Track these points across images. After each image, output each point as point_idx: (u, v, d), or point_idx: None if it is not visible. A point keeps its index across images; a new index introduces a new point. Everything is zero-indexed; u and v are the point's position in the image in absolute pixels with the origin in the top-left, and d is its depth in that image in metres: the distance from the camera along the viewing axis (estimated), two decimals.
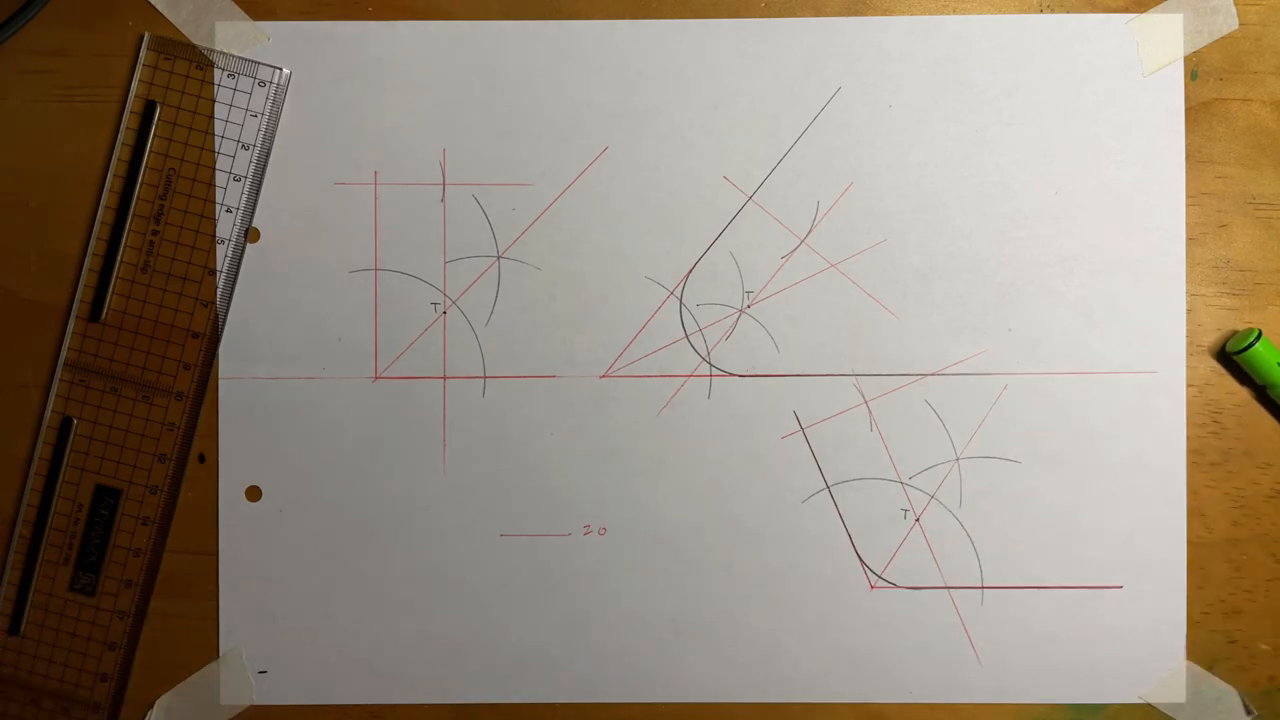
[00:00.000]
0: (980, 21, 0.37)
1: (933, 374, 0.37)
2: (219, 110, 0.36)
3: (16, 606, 0.36)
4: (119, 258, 0.36)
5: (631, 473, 0.37)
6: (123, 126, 0.36)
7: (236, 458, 0.37)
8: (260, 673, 0.37)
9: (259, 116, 0.36)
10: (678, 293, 0.37)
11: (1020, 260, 0.37)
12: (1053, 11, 0.37)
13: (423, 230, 0.36)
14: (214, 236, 0.36)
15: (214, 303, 0.36)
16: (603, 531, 0.37)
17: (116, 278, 0.36)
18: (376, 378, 0.37)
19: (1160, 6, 0.37)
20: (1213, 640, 0.37)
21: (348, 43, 0.36)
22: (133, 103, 0.36)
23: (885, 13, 0.37)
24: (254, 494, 0.37)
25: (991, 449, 0.36)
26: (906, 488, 0.37)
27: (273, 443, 0.37)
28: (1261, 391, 0.37)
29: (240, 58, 0.36)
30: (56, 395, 0.36)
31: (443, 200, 0.37)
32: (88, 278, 0.36)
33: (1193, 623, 0.37)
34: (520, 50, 0.36)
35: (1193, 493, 0.37)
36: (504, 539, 0.37)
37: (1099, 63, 0.36)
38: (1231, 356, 0.36)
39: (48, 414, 0.36)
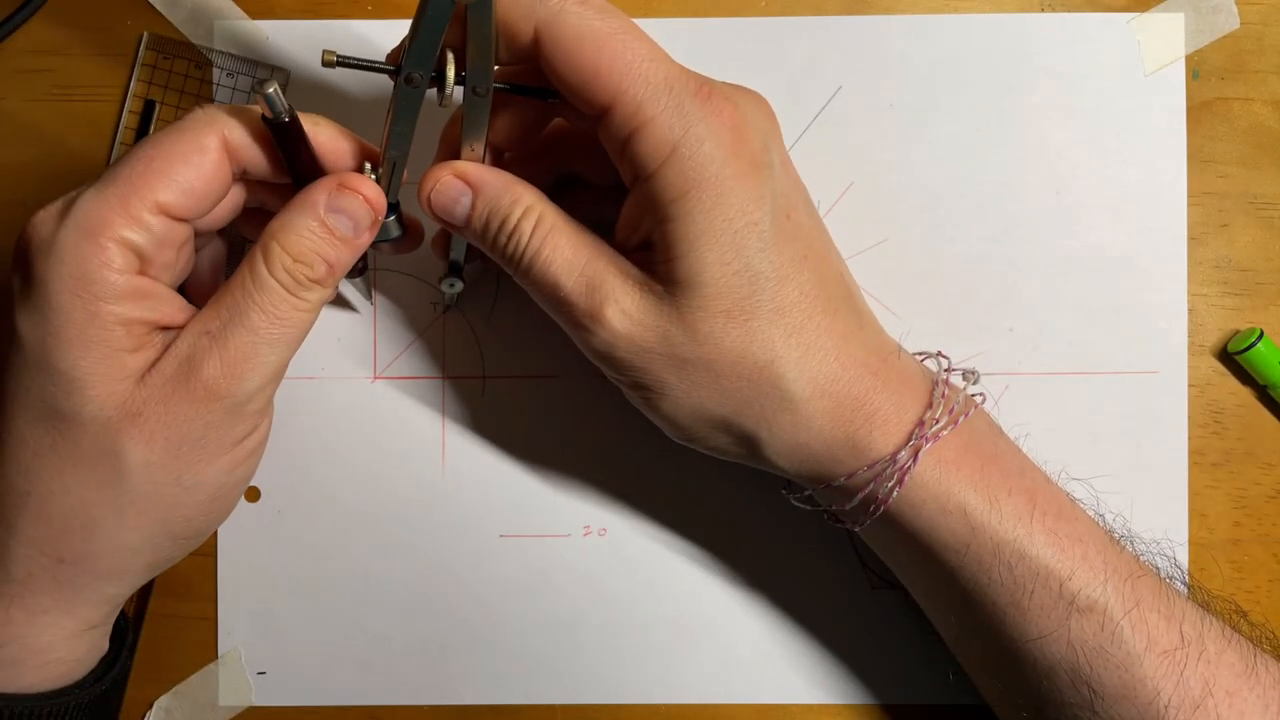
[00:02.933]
0: (981, 21, 0.37)
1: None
2: None
3: None
4: None
5: (631, 473, 0.37)
6: (122, 126, 0.36)
7: None
8: (259, 674, 0.37)
9: None
10: None
11: (1021, 260, 0.36)
12: (1054, 11, 0.37)
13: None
14: None
15: None
16: (603, 532, 0.37)
17: None
18: (375, 378, 0.37)
19: (1161, 6, 0.36)
20: None
21: (346, 41, 0.36)
22: (131, 102, 0.36)
23: (885, 12, 0.37)
24: (253, 494, 0.37)
25: None
26: None
27: (272, 443, 0.36)
28: (1263, 391, 0.36)
29: (239, 57, 0.36)
30: None
31: None
32: None
33: None
34: None
35: (1194, 493, 0.37)
36: (504, 539, 0.37)
37: (1100, 62, 0.36)
38: (1233, 356, 0.36)
39: None
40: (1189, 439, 0.36)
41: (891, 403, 0.29)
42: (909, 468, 0.28)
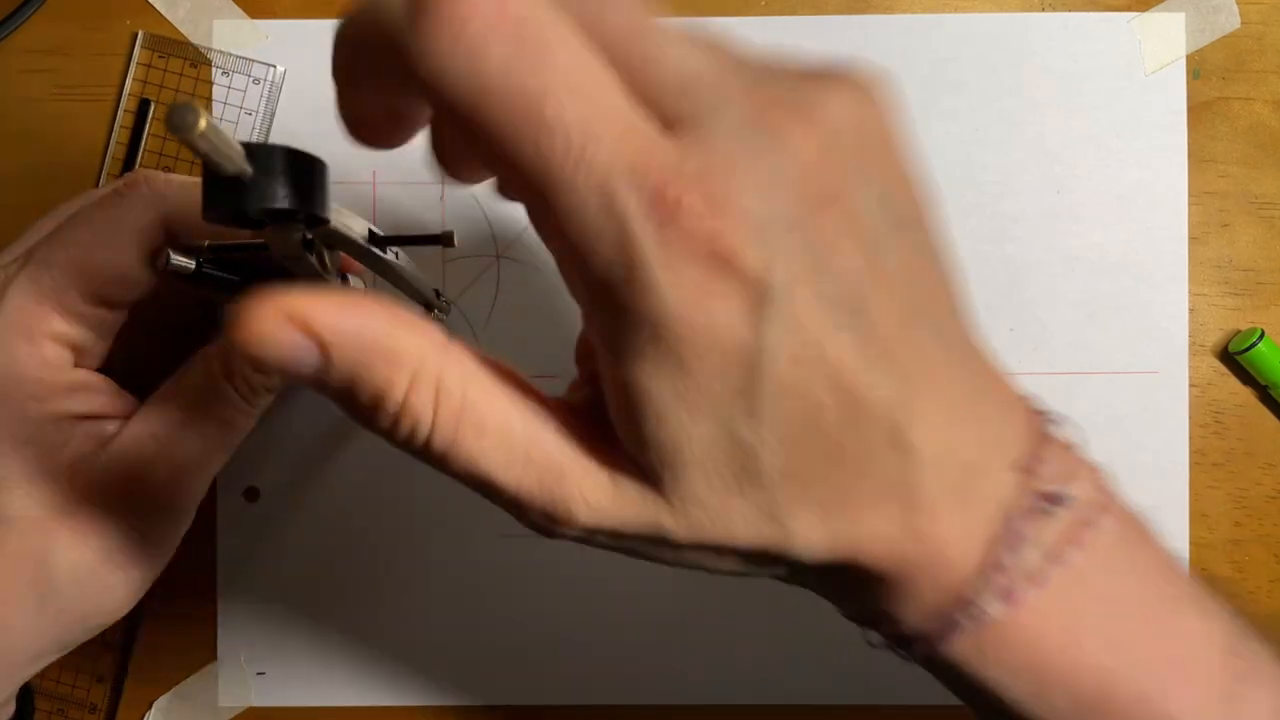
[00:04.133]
0: (981, 20, 0.36)
1: None
2: (215, 108, 0.36)
3: None
4: None
5: None
6: (117, 125, 0.36)
7: (235, 458, 0.36)
8: (259, 674, 0.37)
9: (254, 114, 0.36)
10: None
11: (1021, 260, 0.36)
12: (1054, 10, 0.36)
13: (422, 230, 0.36)
14: None
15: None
16: None
17: None
18: None
19: (1162, 5, 0.36)
20: None
21: None
22: (126, 101, 0.36)
23: (885, 11, 0.37)
24: (252, 495, 0.37)
25: None
26: None
27: (272, 443, 0.36)
28: (1264, 392, 0.36)
29: (235, 55, 0.36)
30: None
31: (442, 200, 0.36)
32: None
33: None
34: None
35: (1195, 493, 0.36)
36: (504, 539, 0.37)
37: (1100, 62, 0.36)
38: (1234, 356, 0.36)
39: None
40: (1189, 439, 0.36)
41: (930, 575, 0.21)
42: (936, 648, 0.22)
